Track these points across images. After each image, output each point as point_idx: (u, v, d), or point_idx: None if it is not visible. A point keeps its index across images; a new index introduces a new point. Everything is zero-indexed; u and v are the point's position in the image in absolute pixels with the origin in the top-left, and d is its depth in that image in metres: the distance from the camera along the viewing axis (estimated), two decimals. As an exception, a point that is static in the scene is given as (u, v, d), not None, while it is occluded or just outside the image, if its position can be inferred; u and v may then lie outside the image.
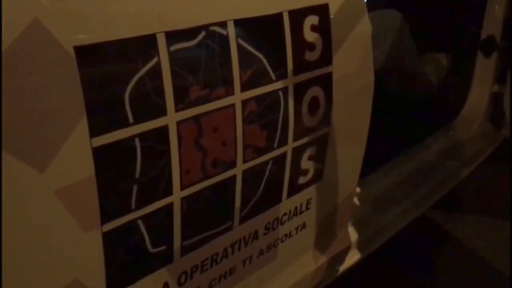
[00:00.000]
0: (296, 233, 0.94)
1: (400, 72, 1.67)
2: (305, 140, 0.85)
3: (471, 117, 1.79)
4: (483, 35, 1.73)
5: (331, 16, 0.83)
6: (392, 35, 1.51)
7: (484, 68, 1.75)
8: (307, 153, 0.87)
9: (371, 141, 1.03)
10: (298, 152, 0.85)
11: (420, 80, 1.85)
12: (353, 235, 1.17)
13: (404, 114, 1.71)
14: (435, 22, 1.84)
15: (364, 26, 0.91)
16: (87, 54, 0.54)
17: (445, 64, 1.92)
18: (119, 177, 0.60)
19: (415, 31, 1.73)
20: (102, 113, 0.56)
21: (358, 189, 1.15)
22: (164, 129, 0.63)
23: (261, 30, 0.73)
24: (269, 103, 0.76)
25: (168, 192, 0.66)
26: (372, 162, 1.17)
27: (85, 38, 0.54)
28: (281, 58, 0.77)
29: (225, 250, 0.80)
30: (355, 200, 1.16)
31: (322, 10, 0.82)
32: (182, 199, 0.68)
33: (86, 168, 0.56)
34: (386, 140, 1.47)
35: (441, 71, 1.92)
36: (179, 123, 0.64)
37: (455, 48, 1.86)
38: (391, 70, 1.59)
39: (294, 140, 0.83)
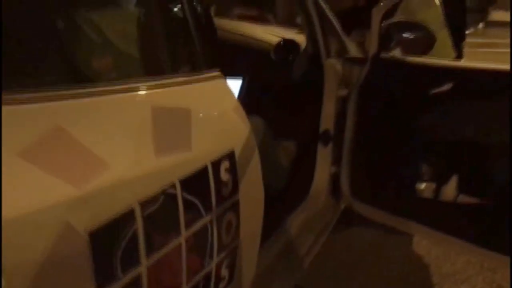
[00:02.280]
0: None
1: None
2: (223, 254, 1.09)
3: (317, 194, 2.21)
4: (321, 129, 2.18)
5: (236, 159, 1.11)
6: (258, 136, 1.85)
7: (323, 154, 2.20)
8: (225, 263, 1.11)
9: None
10: (219, 265, 1.08)
11: (276, 167, 2.23)
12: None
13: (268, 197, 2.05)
14: (284, 119, 2.26)
15: (256, 159, 1.21)
16: (96, 236, 0.71)
17: (293, 150, 2.34)
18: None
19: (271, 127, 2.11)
20: (103, 276, 0.73)
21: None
22: (139, 276, 0.81)
23: (196, 180, 0.97)
24: (202, 234, 0.99)
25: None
26: None
27: (94, 223, 0.71)
28: (208, 197, 1.01)
29: None
30: (250, 287, 1.42)
31: (230, 156, 1.09)
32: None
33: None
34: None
35: (291, 156, 2.33)
36: (149, 269, 0.83)
37: (302, 139, 2.28)
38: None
39: (217, 256, 1.06)
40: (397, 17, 1.95)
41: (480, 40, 9.13)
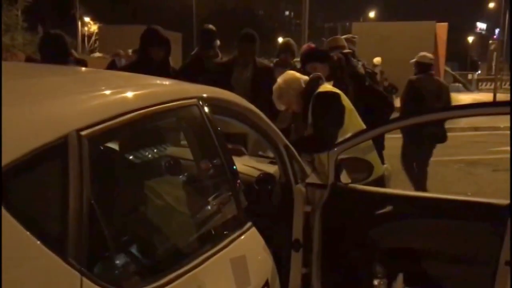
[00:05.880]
0: None
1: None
2: None
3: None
4: (293, 238, 2.75)
5: (269, 284, 1.64)
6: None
7: (296, 259, 2.75)
8: None
9: None
10: None
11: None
12: None
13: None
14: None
15: (277, 281, 1.75)
16: None
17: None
18: None
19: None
20: None
21: None
22: None
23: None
24: None
25: None
26: None
27: None
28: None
29: None
30: None
31: (267, 283, 1.62)
32: None
33: None
34: None
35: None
36: None
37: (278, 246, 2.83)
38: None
39: None
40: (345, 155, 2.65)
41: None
